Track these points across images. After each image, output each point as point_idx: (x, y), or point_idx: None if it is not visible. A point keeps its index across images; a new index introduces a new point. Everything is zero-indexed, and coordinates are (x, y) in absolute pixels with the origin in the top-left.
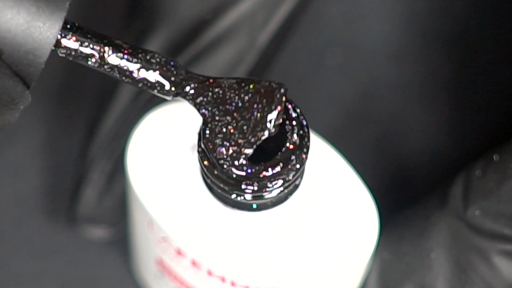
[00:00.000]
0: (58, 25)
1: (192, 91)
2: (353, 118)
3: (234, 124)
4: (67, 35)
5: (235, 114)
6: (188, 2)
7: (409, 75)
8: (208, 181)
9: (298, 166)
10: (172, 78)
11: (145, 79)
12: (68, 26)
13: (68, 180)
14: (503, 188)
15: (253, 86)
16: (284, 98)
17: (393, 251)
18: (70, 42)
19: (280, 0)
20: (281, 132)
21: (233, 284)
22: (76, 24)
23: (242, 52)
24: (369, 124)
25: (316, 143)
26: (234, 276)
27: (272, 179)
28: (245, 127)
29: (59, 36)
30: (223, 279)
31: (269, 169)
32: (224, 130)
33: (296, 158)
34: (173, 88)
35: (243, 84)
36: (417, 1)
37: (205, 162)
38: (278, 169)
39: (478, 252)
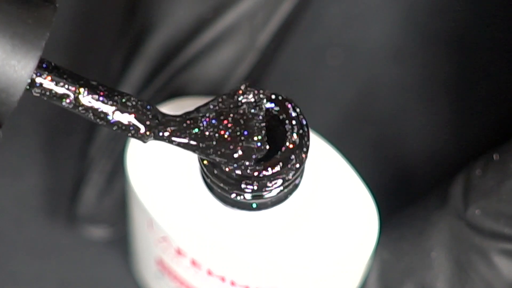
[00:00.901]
0: (33, 64)
1: (168, 135)
2: (353, 117)
3: (220, 157)
4: (42, 74)
5: (217, 150)
6: (188, 2)
7: (409, 75)
8: (208, 180)
9: (297, 165)
10: (148, 122)
11: (119, 122)
12: (44, 66)
13: (68, 180)
14: (503, 188)
15: (232, 119)
16: (263, 125)
17: (393, 251)
18: (45, 82)
19: (280, 0)
20: (280, 132)
21: (233, 283)
22: (53, 64)
23: (242, 52)
24: (369, 124)
25: (316, 142)
26: (234, 275)
27: (271, 179)
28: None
29: (34, 76)
30: (223, 279)
31: (269, 169)
32: (213, 158)
33: (295, 157)
34: (147, 132)
35: (222, 118)
36: (417, 1)
37: (205, 162)
38: (277, 168)
39: (478, 251)
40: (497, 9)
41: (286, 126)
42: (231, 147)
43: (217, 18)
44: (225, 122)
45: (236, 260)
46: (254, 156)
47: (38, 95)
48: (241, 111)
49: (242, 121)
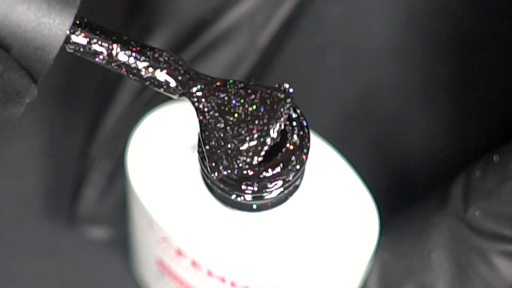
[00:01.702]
0: (68, 22)
1: (198, 93)
2: (353, 118)
3: (233, 141)
4: (76, 31)
5: (234, 129)
6: (189, 2)
7: (409, 75)
8: (208, 181)
9: (298, 166)
10: (179, 77)
11: (152, 77)
12: (78, 22)
13: (68, 180)
14: (503, 189)
15: (260, 95)
16: (287, 110)
17: (393, 252)
18: (79, 39)
19: (280, 0)
20: (281, 133)
21: (233, 284)
22: (86, 20)
23: (243, 52)
24: (369, 125)
25: (316, 143)
26: (234, 276)
27: (272, 180)
28: (244, 143)
29: (68, 32)
30: (223, 280)
31: (269, 170)
32: (222, 144)
33: (296, 158)
34: (179, 88)
35: (249, 91)
36: (417, 2)
37: (205, 163)
38: (278, 169)
39: (478, 252)
40: (497, 9)
41: (287, 127)
42: (247, 128)
43: (217, 18)
44: (253, 96)
45: (236, 261)
46: (262, 152)
47: (72, 51)
48: (269, 91)
49: (268, 101)
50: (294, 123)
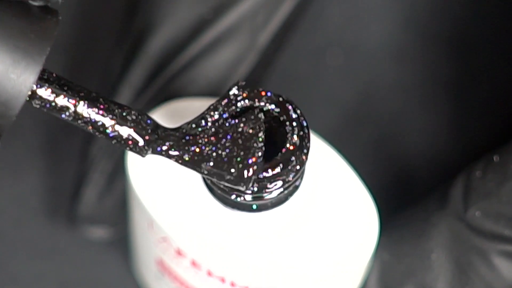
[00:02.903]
0: (33, 78)
1: (166, 150)
2: (353, 118)
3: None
4: (43, 86)
5: (213, 169)
6: (188, 2)
7: (409, 76)
8: (208, 181)
9: (298, 167)
10: (146, 137)
11: (118, 135)
12: (45, 77)
13: (68, 180)
14: (503, 189)
15: (231, 138)
16: (260, 144)
17: (393, 252)
18: (45, 94)
19: (280, 0)
20: (281, 133)
21: (233, 284)
22: (54, 75)
23: (243, 52)
24: (369, 125)
25: (316, 144)
26: (234, 276)
27: (272, 180)
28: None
29: (34, 87)
30: (223, 280)
31: (269, 170)
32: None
33: (296, 159)
34: (146, 147)
35: (220, 136)
36: (417, 1)
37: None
38: (278, 170)
39: (479, 253)
40: (497, 9)
41: (287, 128)
42: (226, 167)
43: (217, 18)
44: (223, 141)
45: (236, 261)
46: (247, 176)
47: (38, 106)
48: (240, 129)
49: (240, 141)
50: (294, 124)
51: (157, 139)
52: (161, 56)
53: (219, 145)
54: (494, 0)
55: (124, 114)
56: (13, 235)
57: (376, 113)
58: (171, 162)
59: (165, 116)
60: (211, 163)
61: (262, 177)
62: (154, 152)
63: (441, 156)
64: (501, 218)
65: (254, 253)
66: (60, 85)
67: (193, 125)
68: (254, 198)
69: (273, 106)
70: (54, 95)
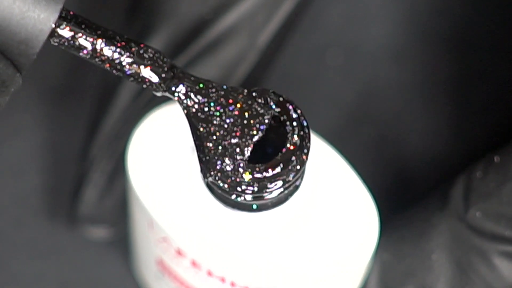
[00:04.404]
0: (53, 17)
1: (181, 93)
2: (353, 118)
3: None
4: (61, 24)
5: (213, 135)
6: (188, 2)
7: (409, 76)
8: (213, 187)
9: (298, 167)
10: (163, 75)
11: (135, 73)
12: (63, 15)
13: (68, 180)
14: (504, 190)
15: (240, 107)
16: (264, 125)
17: (393, 253)
18: (64, 32)
19: (280, 0)
20: (281, 133)
21: (233, 284)
22: (71, 13)
23: (243, 52)
24: (370, 125)
25: (317, 144)
26: (234, 276)
27: (272, 180)
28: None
29: (53, 26)
30: (223, 280)
31: (269, 170)
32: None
33: (296, 159)
34: (162, 85)
35: (230, 101)
36: (417, 1)
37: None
38: (278, 170)
39: (479, 253)
40: (497, 9)
41: (287, 128)
42: (226, 137)
43: (217, 18)
44: (232, 107)
45: (236, 261)
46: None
47: (56, 44)
48: (250, 102)
49: (246, 115)
50: (294, 123)
51: (172, 78)
52: None
53: (226, 109)
54: (494, 0)
55: (141, 51)
56: (13, 235)
57: (376, 113)
58: (171, 161)
59: (166, 116)
60: (212, 126)
61: (262, 177)
62: (169, 91)
63: (442, 156)
64: (501, 219)
65: (254, 253)
66: (78, 23)
67: (211, 82)
68: (254, 198)
69: (273, 106)
70: (72, 33)
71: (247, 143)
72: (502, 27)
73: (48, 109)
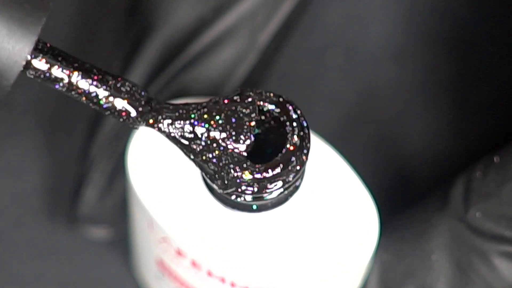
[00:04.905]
0: (28, 49)
1: (161, 124)
2: (353, 119)
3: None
4: (37, 56)
5: (204, 153)
6: (188, 2)
7: (409, 76)
8: (208, 182)
9: (298, 167)
10: (140, 108)
11: (112, 106)
12: (40, 47)
13: (68, 180)
14: (504, 190)
15: (224, 117)
16: (253, 125)
17: (393, 253)
18: (40, 64)
19: (280, 0)
20: (281, 134)
21: (233, 284)
22: (48, 45)
23: (242, 52)
24: (370, 125)
25: (317, 144)
26: (234, 276)
27: (272, 180)
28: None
29: (29, 57)
30: (223, 280)
31: (269, 170)
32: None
33: (296, 159)
34: (139, 119)
35: (214, 114)
36: (417, 2)
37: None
38: (278, 170)
39: (479, 253)
40: (497, 9)
41: (287, 128)
42: (217, 152)
43: (217, 18)
44: (217, 118)
45: (236, 261)
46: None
47: (32, 77)
48: (234, 108)
49: (233, 119)
50: (294, 124)
51: (150, 111)
52: (161, 56)
53: (212, 122)
54: (494, 0)
55: (118, 85)
56: (13, 235)
57: (376, 113)
58: (171, 161)
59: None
60: (202, 144)
61: (262, 177)
62: (147, 124)
63: (442, 156)
64: (501, 219)
65: (254, 253)
66: (55, 56)
67: (190, 105)
68: (254, 199)
69: (273, 107)
70: (49, 65)
71: (243, 146)
72: (502, 27)
73: (48, 109)
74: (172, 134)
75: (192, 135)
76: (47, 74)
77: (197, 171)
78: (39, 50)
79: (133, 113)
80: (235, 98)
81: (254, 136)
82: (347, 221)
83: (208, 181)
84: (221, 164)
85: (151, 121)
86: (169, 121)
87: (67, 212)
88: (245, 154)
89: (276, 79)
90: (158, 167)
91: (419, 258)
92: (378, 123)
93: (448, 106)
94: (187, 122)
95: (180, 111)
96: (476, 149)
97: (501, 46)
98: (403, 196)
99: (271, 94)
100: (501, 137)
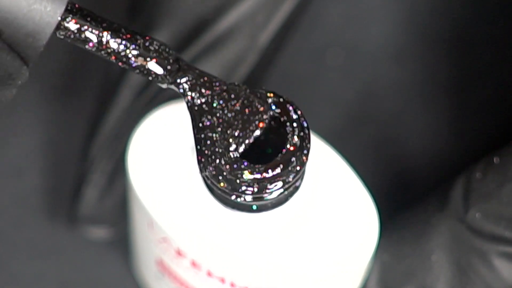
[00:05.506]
0: (60, 10)
1: (185, 84)
2: (353, 119)
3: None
4: (67, 17)
5: (214, 130)
6: (189, 2)
7: (409, 76)
8: (209, 182)
9: (298, 167)
10: (168, 67)
11: (141, 65)
12: (69, 8)
13: (69, 180)
14: (504, 191)
15: (241, 103)
16: (262, 123)
17: (393, 253)
18: (70, 25)
19: (280, 1)
20: (281, 134)
21: (232, 285)
22: (77, 6)
23: (243, 53)
24: (370, 125)
25: (317, 144)
26: (234, 277)
27: (272, 181)
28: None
29: (59, 18)
30: (223, 280)
31: (269, 171)
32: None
33: (296, 159)
34: (167, 77)
35: (232, 96)
36: (417, 1)
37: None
38: (278, 170)
39: (479, 254)
40: (497, 9)
41: (287, 128)
42: (224, 131)
43: (217, 18)
44: (234, 101)
45: (236, 261)
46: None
47: (62, 37)
48: (251, 99)
49: (247, 111)
50: (295, 124)
51: (178, 70)
52: None
53: (228, 104)
54: (494, 0)
55: (147, 44)
56: (13, 235)
57: (376, 113)
58: (171, 161)
59: (166, 116)
60: (214, 119)
61: (262, 177)
62: (174, 83)
63: (441, 157)
64: (501, 220)
65: (254, 253)
66: (84, 16)
67: (215, 77)
68: (254, 199)
69: (273, 107)
70: (79, 26)
71: (245, 139)
72: (502, 27)
73: (48, 109)
74: (192, 97)
75: (206, 108)
76: (77, 35)
77: (197, 171)
78: (68, 11)
79: (160, 71)
80: (255, 91)
81: (258, 133)
82: (347, 222)
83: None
84: (217, 146)
85: (178, 80)
86: (194, 83)
87: (67, 212)
88: (241, 150)
89: (276, 79)
90: (158, 167)
91: (419, 259)
92: (378, 123)
93: (448, 106)
94: (208, 92)
95: (205, 78)
96: (476, 149)
97: (501, 46)
98: (403, 196)
99: (272, 94)
100: (501, 137)
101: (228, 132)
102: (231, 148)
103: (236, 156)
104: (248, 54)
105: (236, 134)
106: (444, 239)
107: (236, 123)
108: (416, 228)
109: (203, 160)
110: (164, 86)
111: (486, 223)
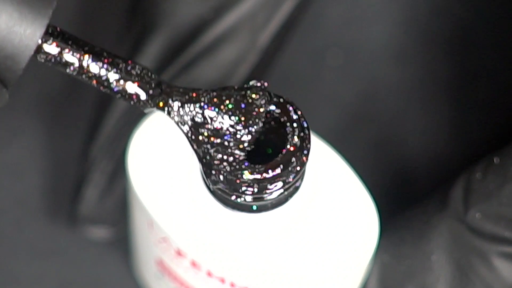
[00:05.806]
0: (39, 33)
1: (171, 106)
2: (353, 119)
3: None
4: (48, 40)
5: (214, 138)
6: (189, 2)
7: (409, 76)
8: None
9: (298, 168)
10: (150, 91)
11: (123, 90)
12: (50, 31)
13: (69, 181)
14: (504, 191)
15: (233, 102)
16: (263, 108)
17: (393, 254)
18: (51, 48)
19: (280, 1)
20: (281, 134)
21: (232, 285)
22: (58, 29)
23: (243, 53)
24: (370, 126)
25: (317, 144)
26: (233, 277)
27: (272, 181)
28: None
29: (39, 41)
30: (222, 280)
31: (270, 171)
32: (210, 150)
33: (296, 160)
34: (149, 101)
35: (223, 98)
36: (417, 2)
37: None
38: (278, 171)
39: (479, 254)
40: (497, 9)
41: (287, 129)
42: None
43: (218, 18)
44: (227, 102)
45: (236, 262)
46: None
47: (43, 61)
48: (243, 93)
49: (243, 104)
50: (295, 125)
51: (160, 94)
52: (161, 56)
53: (221, 106)
54: (494, 0)
55: (129, 68)
56: (13, 235)
57: (376, 113)
58: (172, 161)
59: (166, 117)
60: (210, 129)
61: (262, 178)
62: (157, 107)
63: (442, 157)
64: (501, 220)
65: (254, 254)
66: (65, 39)
67: (200, 89)
68: (254, 199)
69: (273, 107)
70: (59, 49)
71: (250, 132)
72: (502, 27)
73: (48, 110)
74: (181, 118)
75: (201, 119)
76: (58, 58)
77: (197, 172)
78: (49, 34)
79: (143, 96)
80: (245, 85)
81: (262, 122)
82: (347, 222)
83: (205, 177)
84: (222, 156)
85: (161, 104)
86: (179, 104)
87: (68, 212)
88: (248, 149)
89: (276, 79)
90: (158, 167)
91: (419, 259)
92: (378, 123)
93: (448, 106)
94: (197, 105)
95: (190, 94)
96: (476, 149)
97: (501, 46)
98: (403, 197)
99: (272, 94)
100: (501, 137)
101: (232, 131)
102: (241, 146)
103: (247, 150)
104: (248, 54)
105: (240, 128)
106: (444, 240)
107: (236, 119)
108: (416, 229)
109: (213, 173)
110: (146, 111)
111: (486, 223)
